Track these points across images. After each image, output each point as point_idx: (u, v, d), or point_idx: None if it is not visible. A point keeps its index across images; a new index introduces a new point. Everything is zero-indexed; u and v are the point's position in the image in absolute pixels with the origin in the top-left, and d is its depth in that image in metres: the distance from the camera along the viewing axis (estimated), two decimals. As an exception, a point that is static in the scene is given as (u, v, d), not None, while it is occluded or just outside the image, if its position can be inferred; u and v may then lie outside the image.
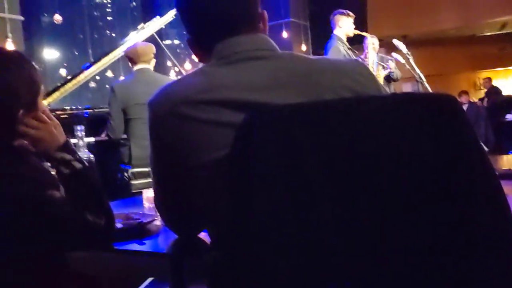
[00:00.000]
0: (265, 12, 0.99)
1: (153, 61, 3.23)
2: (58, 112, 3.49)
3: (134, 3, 6.76)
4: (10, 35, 3.70)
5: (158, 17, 4.08)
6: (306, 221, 0.70)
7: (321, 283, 0.70)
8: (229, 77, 0.86)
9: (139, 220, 1.27)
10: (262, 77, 0.86)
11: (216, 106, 0.83)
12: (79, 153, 1.14)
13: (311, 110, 0.74)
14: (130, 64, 3.22)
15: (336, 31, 3.93)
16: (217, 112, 0.83)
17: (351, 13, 3.99)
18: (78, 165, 1.08)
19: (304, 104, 0.78)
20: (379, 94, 0.91)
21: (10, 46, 3.60)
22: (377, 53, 4.33)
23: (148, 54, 3.15)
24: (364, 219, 0.70)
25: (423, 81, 3.08)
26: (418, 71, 3.08)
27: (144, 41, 3.56)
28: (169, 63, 5.61)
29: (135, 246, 1.13)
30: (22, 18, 3.91)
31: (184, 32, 0.99)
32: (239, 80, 0.86)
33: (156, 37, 3.91)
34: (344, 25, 3.91)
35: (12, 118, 1.00)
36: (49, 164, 1.10)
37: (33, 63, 1.11)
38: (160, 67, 5.48)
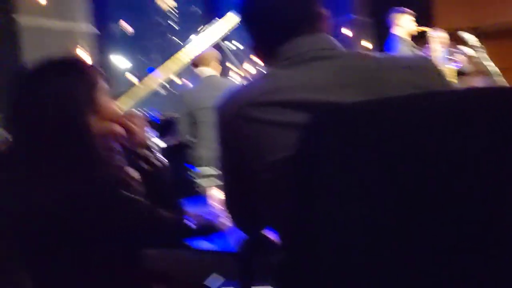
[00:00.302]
0: (327, 11, 0.98)
1: (220, 68, 3.32)
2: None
3: (196, 9, 6.93)
4: (82, 44, 3.93)
5: (216, 18, 4.15)
6: (368, 222, 0.69)
7: (381, 283, 0.69)
8: (293, 78, 0.87)
9: (208, 219, 1.31)
10: (326, 77, 0.86)
11: (280, 107, 0.84)
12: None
13: (376, 107, 0.73)
14: (195, 70, 3.32)
15: (396, 31, 3.70)
16: (281, 113, 0.84)
17: (407, 10, 3.73)
18: (157, 162, 1.14)
19: (368, 101, 0.77)
20: (445, 89, 0.88)
21: (82, 55, 3.83)
22: (445, 48, 4.12)
23: (211, 58, 3.24)
24: (424, 220, 0.68)
25: (496, 75, 2.92)
26: (492, 64, 2.92)
27: (210, 46, 3.64)
28: (228, 64, 5.69)
29: (204, 244, 1.17)
30: (93, 28, 4.13)
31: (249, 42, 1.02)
32: (303, 80, 0.86)
33: (223, 44, 3.97)
34: (403, 24, 3.67)
35: (85, 122, 1.02)
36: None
37: (94, 65, 1.16)
38: (226, 72, 5.57)
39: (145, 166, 1.13)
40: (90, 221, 0.98)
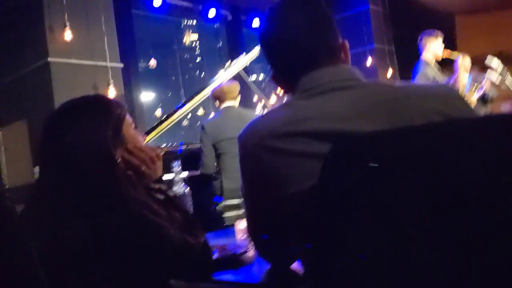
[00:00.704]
0: (346, 42, 0.99)
1: (238, 98, 3.37)
2: (155, 150, 3.72)
3: (221, 43, 7.09)
4: (111, 81, 4.05)
5: (244, 53, 4.25)
6: (397, 252, 0.68)
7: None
8: (314, 109, 0.88)
9: (234, 251, 1.31)
10: (347, 107, 0.86)
11: (302, 137, 0.85)
12: (176, 187, 1.22)
13: (397, 136, 0.73)
14: (217, 103, 3.38)
15: (425, 55, 3.63)
16: (303, 143, 0.84)
17: (440, 33, 3.65)
18: (172, 193, 1.17)
19: (389, 130, 0.77)
20: (469, 116, 0.87)
21: (112, 92, 3.95)
22: (469, 73, 4.07)
23: (233, 92, 3.31)
24: (453, 255, 0.67)
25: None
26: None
27: (231, 78, 3.72)
28: (255, 97, 5.78)
29: (230, 277, 1.16)
30: (121, 65, 4.26)
31: (269, 71, 1.04)
32: (324, 110, 0.87)
33: (244, 74, 4.06)
34: (432, 48, 3.60)
35: (112, 156, 1.06)
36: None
37: (118, 101, 1.20)
38: (247, 101, 5.66)
39: (160, 197, 1.15)
40: (121, 252, 0.99)
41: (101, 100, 1.16)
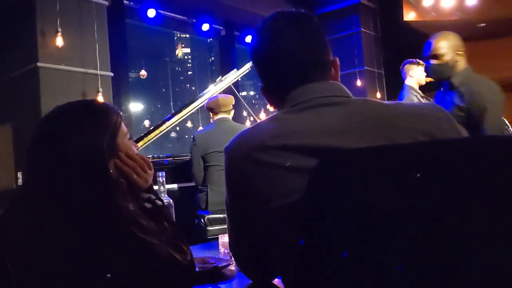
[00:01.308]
0: (337, 59, 1.00)
1: (232, 112, 3.38)
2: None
3: (212, 58, 7.13)
4: (101, 89, 4.03)
5: (235, 70, 4.28)
6: (378, 267, 0.68)
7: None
8: (302, 123, 0.87)
9: (215, 264, 1.29)
10: (335, 122, 0.86)
11: (289, 151, 0.84)
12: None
13: (384, 153, 0.73)
14: (211, 115, 3.38)
15: (408, 81, 3.89)
16: (290, 157, 0.84)
17: (421, 62, 3.90)
18: (159, 202, 1.15)
19: (376, 147, 0.77)
20: (456, 137, 0.87)
21: (100, 99, 3.93)
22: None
23: (228, 105, 3.32)
24: (438, 267, 0.67)
25: (508, 126, 2.91)
26: (502, 118, 2.92)
27: (222, 93, 3.74)
28: (245, 113, 5.80)
29: (209, 290, 1.14)
30: (111, 74, 4.25)
31: (259, 84, 1.04)
32: (312, 125, 0.87)
33: (233, 88, 4.08)
34: (415, 74, 3.85)
35: (106, 166, 1.03)
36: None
37: (115, 108, 1.14)
38: (237, 117, 5.68)
39: (148, 206, 1.13)
40: (104, 267, 0.94)
41: (99, 106, 1.10)
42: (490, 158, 0.68)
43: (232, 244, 1.06)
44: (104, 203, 0.98)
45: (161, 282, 1.02)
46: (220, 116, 3.30)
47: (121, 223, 0.97)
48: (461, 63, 2.57)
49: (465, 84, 2.51)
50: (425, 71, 3.03)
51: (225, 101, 3.32)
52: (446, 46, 2.55)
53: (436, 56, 2.57)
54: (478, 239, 0.64)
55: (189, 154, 3.32)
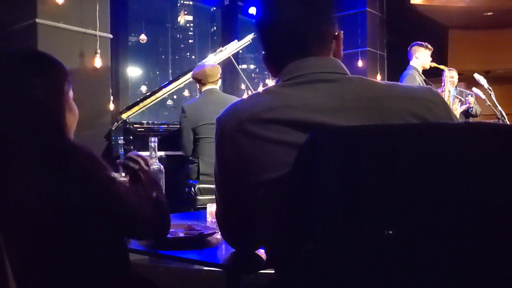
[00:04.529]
0: (341, 33, 0.98)
1: (220, 82, 3.34)
2: (135, 126, 3.69)
3: (215, 27, 7.03)
4: (99, 51, 3.98)
5: (236, 41, 4.23)
6: (363, 241, 0.69)
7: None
8: (296, 98, 0.87)
9: (200, 231, 1.31)
10: (329, 99, 0.86)
11: (281, 125, 0.84)
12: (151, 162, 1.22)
13: (375, 133, 0.74)
14: (198, 86, 3.35)
15: (413, 62, 3.93)
16: (281, 131, 0.84)
17: (429, 46, 3.97)
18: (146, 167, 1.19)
19: (368, 126, 0.77)
20: (448, 122, 0.87)
21: (98, 61, 3.88)
22: (455, 87, 4.19)
23: (215, 75, 3.26)
24: (422, 243, 0.68)
25: (504, 118, 2.92)
26: (499, 108, 2.93)
27: (221, 63, 3.70)
28: (243, 86, 5.77)
29: (193, 256, 1.16)
30: (111, 36, 4.18)
31: (260, 56, 1.03)
32: (305, 101, 0.86)
33: (233, 60, 4.04)
34: (421, 57, 3.90)
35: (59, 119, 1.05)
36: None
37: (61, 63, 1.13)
38: (235, 90, 5.64)
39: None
40: (73, 215, 0.98)
41: (55, 59, 1.11)
42: (478, 143, 0.69)
43: (218, 213, 1.06)
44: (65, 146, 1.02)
45: (128, 224, 1.07)
46: (208, 87, 3.26)
47: (82, 162, 1.00)
48: None
49: None
50: None
51: (212, 71, 3.26)
52: None
53: None
54: (463, 220, 0.66)
55: (180, 125, 3.30)
